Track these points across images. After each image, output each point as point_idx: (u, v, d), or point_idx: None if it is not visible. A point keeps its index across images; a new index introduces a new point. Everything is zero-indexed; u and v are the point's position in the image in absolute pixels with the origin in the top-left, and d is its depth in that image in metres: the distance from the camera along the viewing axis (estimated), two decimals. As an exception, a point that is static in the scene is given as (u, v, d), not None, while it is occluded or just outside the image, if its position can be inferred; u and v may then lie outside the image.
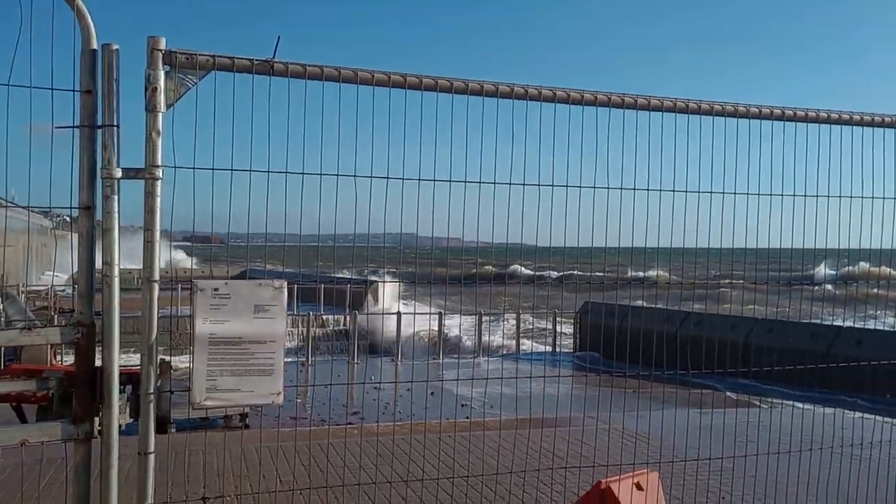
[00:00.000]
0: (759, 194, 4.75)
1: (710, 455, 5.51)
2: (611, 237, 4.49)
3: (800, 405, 10.93)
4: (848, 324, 19.63)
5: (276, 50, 3.54)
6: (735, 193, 4.67)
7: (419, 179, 4.00)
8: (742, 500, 6.37)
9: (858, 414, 11.88)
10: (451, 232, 4.70)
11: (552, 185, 4.25)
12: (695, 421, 9.39)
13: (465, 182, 4.00)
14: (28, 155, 3.29)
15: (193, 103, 3.43)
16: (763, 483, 5.86)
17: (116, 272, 3.37)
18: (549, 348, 24.19)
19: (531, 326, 25.28)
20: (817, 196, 4.90)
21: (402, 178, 4.01)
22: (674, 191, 4.45)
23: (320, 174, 3.76)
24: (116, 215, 3.33)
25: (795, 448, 5.40)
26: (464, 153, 3.98)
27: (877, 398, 16.13)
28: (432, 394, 10.22)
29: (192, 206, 3.60)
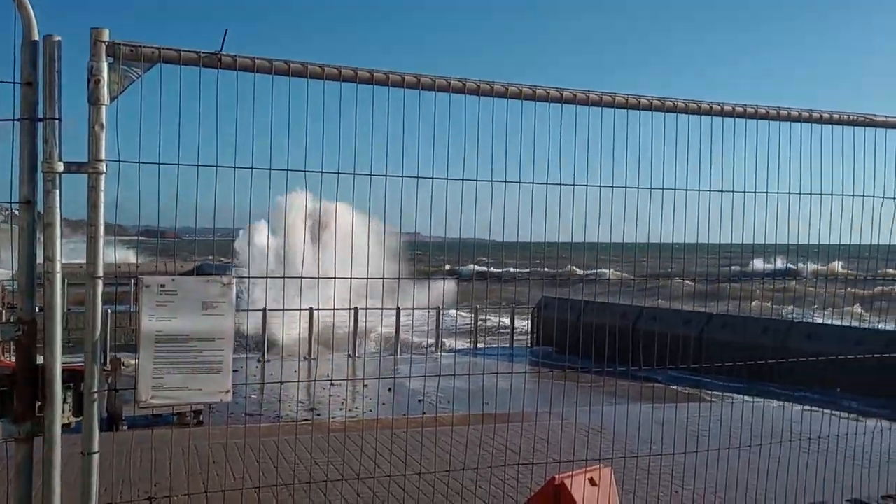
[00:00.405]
0: (707, 190, 4.82)
1: (661, 450, 5.58)
2: (570, 233, 4.53)
3: (753, 399, 11.14)
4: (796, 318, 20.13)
5: (223, 42, 3.48)
6: (683, 189, 4.73)
7: (370, 175, 3.99)
8: (694, 494, 6.48)
9: (809, 407, 12.16)
10: (409, 228, 4.70)
11: (504, 181, 4.26)
12: (648, 415, 9.51)
13: (418, 178, 4.00)
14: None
15: (138, 96, 3.37)
16: (715, 477, 5.97)
17: (58, 268, 3.29)
18: (504, 344, 24.33)
19: (488, 322, 25.40)
20: (767, 192, 4.99)
21: (354, 174, 3.99)
22: (625, 187, 4.50)
23: (269, 169, 3.72)
24: (58, 210, 3.26)
25: (747, 442, 5.51)
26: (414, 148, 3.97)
27: (828, 391, 16.50)
28: (389, 389, 10.22)
29: (138, 200, 3.53)
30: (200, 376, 3.49)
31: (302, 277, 4.05)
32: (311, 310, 20.27)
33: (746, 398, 13.11)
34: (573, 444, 7.47)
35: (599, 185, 4.49)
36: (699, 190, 4.78)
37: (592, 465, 5.15)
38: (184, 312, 3.45)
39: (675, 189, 4.66)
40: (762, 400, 11.97)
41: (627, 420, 8.68)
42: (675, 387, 16.08)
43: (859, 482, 6.14)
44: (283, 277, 4.38)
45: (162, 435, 8.03)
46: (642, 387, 12.49)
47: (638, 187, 4.56)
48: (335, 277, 4.06)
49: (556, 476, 4.87)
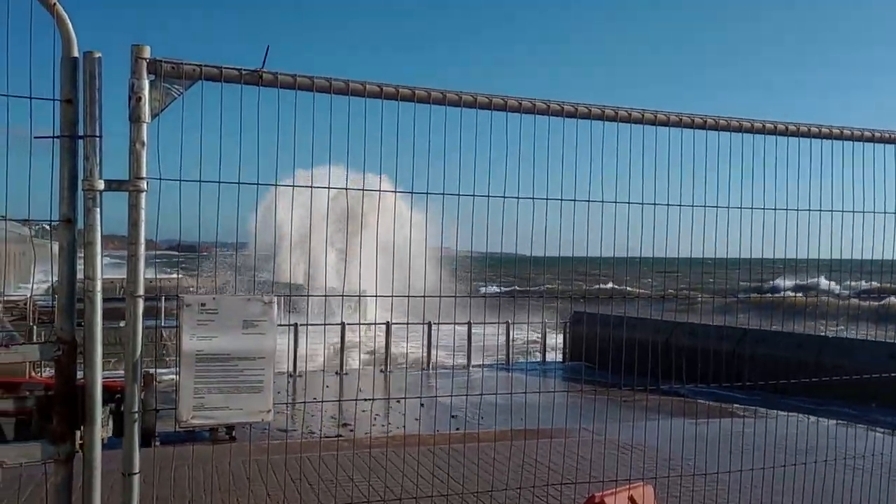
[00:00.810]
0: (734, 207, 4.70)
1: (705, 468, 5.43)
2: (595, 249, 4.45)
3: (794, 416, 10.87)
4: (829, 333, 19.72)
5: (265, 59, 3.45)
6: (703, 206, 4.62)
7: (412, 192, 3.94)
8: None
9: (846, 423, 11.87)
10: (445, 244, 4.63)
11: (532, 198, 4.18)
12: (687, 432, 9.31)
13: (459, 195, 3.93)
14: (5, 163, 3.17)
15: (180, 113, 3.34)
16: (759, 497, 5.79)
17: (99, 287, 3.25)
18: (531, 359, 24.15)
19: (517, 339, 25.21)
20: (798, 210, 4.87)
21: (395, 192, 3.94)
22: (652, 204, 4.40)
23: (311, 187, 3.67)
24: (98, 228, 3.22)
25: (791, 461, 5.34)
26: (457, 166, 3.91)
27: (864, 407, 16.13)
28: (422, 405, 10.12)
29: (175, 216, 3.50)
30: (242, 395, 3.44)
31: (360, 296, 3.99)
32: (342, 324, 20.30)
33: (782, 414, 12.83)
34: (612, 461, 7.29)
35: (630, 202, 4.39)
36: (741, 208, 4.68)
37: (633, 482, 5.02)
38: (225, 331, 3.40)
39: (705, 206, 4.57)
40: (797, 415, 11.70)
41: (670, 437, 8.49)
42: (711, 402, 15.80)
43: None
44: (343, 296, 4.32)
45: (196, 451, 8.01)
46: (684, 403, 12.27)
47: (679, 204, 4.46)
48: (393, 296, 4.00)
49: (596, 494, 4.76)
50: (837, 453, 6.58)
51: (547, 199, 4.16)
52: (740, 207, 4.64)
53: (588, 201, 4.28)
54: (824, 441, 7.66)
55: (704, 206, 4.56)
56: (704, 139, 4.52)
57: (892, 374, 6.29)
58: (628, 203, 4.34)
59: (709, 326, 21.86)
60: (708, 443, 5.93)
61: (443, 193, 4.01)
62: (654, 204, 4.44)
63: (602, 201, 4.30)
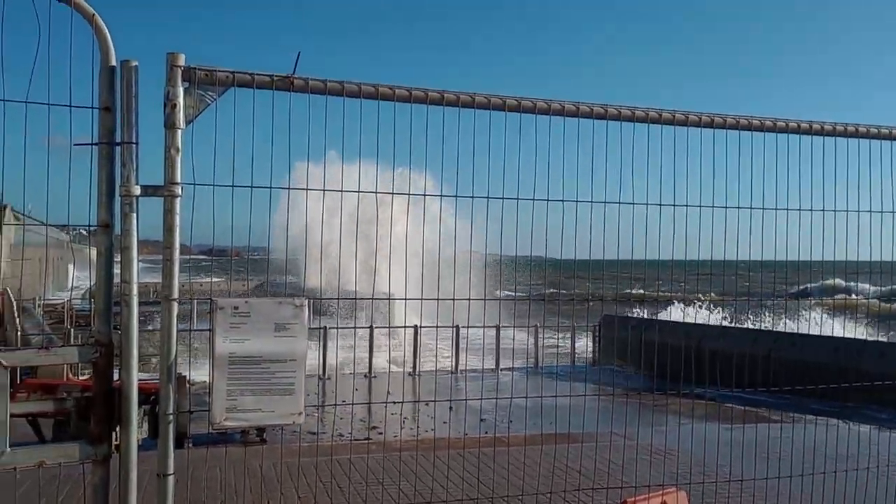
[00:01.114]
0: (761, 208, 4.64)
1: (741, 474, 5.36)
2: (626, 252, 4.42)
3: (831, 421, 10.68)
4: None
5: (296, 65, 3.49)
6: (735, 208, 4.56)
7: (441, 196, 3.95)
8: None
9: (889, 430, 11.63)
10: (468, 246, 4.64)
11: (562, 200, 4.17)
12: (720, 437, 9.21)
13: (487, 197, 3.93)
14: (46, 170, 3.25)
15: (213, 119, 3.38)
16: (808, 502, 5.69)
17: (135, 290, 3.31)
18: (564, 363, 24.01)
19: (546, 341, 25.11)
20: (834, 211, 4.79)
21: (423, 195, 3.95)
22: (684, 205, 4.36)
23: (341, 191, 3.71)
24: (135, 233, 3.29)
25: (831, 468, 5.25)
26: (486, 167, 3.91)
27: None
28: (451, 408, 10.13)
29: (206, 220, 3.54)
30: (273, 398, 3.48)
31: (407, 299, 4.01)
32: (370, 327, 20.41)
33: (820, 419, 12.62)
34: (644, 466, 7.24)
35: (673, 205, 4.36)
36: (776, 209, 4.62)
37: (666, 488, 4.97)
38: (257, 334, 3.44)
39: (738, 207, 4.52)
40: (837, 421, 11.50)
41: (704, 441, 8.41)
42: (744, 407, 15.59)
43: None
44: (389, 298, 4.35)
45: (228, 453, 8.09)
46: (717, 407, 12.13)
47: (711, 206, 4.42)
48: (422, 298, 4.01)
49: (628, 499, 4.72)
50: (880, 460, 6.44)
51: (577, 201, 4.15)
52: (775, 209, 4.58)
53: (619, 203, 4.26)
54: (864, 447, 7.51)
55: (738, 208, 4.51)
56: (738, 139, 4.47)
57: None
58: (659, 205, 4.31)
59: (741, 329, 21.60)
60: (743, 448, 5.86)
61: (472, 197, 4.02)
62: (686, 206, 4.40)
63: (633, 203, 4.28)
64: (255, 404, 3.45)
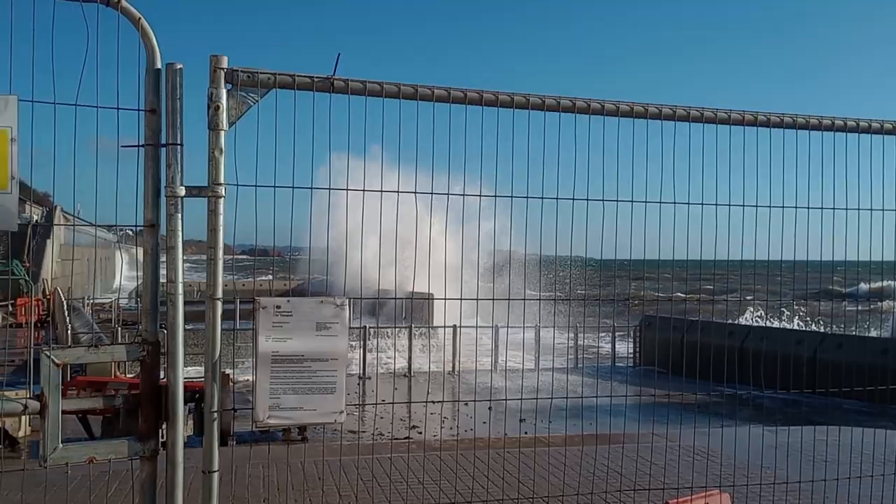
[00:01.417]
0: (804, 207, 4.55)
1: (787, 477, 5.26)
2: (666, 251, 4.37)
3: (875, 424, 10.43)
4: None
5: (336, 67, 3.52)
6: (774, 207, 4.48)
7: (479, 196, 3.95)
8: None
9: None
10: (511, 246, 4.63)
11: (617, 200, 4.14)
12: (764, 439, 9.06)
13: (511, 196, 3.92)
14: (94, 171, 3.32)
15: (255, 120, 3.43)
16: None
17: (181, 290, 3.37)
18: (604, 363, 23.83)
19: (586, 342, 24.96)
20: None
21: (463, 195, 3.95)
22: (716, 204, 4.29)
23: (381, 191, 3.73)
24: (180, 233, 3.35)
25: (878, 471, 5.13)
26: (523, 166, 3.91)
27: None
28: (490, 408, 10.11)
29: (245, 220, 3.59)
30: (315, 396, 3.51)
31: (454, 300, 4.02)
32: (410, 327, 20.50)
33: (866, 421, 12.35)
34: (686, 468, 7.16)
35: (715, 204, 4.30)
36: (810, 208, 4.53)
37: (709, 490, 4.90)
38: (299, 333, 3.48)
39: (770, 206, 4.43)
40: (884, 424, 11.22)
41: (748, 444, 8.28)
42: (788, 409, 15.31)
43: None
44: (412, 298, 4.36)
45: (271, 451, 8.19)
46: (762, 408, 11.93)
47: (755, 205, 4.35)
48: (478, 299, 4.02)
49: (670, 501, 4.67)
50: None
51: (617, 200, 4.12)
52: (821, 208, 4.49)
53: (660, 203, 4.21)
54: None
55: (782, 207, 4.44)
56: (782, 137, 4.40)
57: None
58: (702, 204, 4.26)
59: (786, 331, 21.22)
60: (788, 450, 5.76)
61: (511, 196, 4.02)
62: (729, 205, 4.34)
63: (674, 202, 4.23)
64: (297, 403, 3.48)
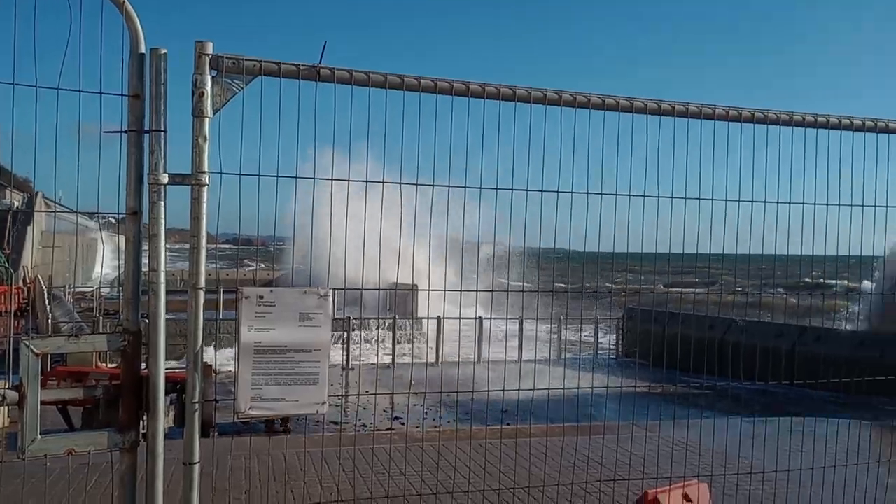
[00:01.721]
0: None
1: (763, 467, 5.31)
2: (648, 245, 4.39)
3: (850, 416, 10.57)
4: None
5: (322, 55, 3.49)
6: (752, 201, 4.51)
7: (465, 187, 3.94)
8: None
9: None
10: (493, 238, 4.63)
11: (601, 193, 4.15)
12: (745, 430, 9.15)
13: (496, 188, 3.92)
14: (76, 157, 3.27)
15: (240, 108, 3.40)
16: (820, 496, 5.64)
17: (163, 279, 3.34)
18: (587, 355, 23.94)
19: (569, 334, 25.07)
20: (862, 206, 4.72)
21: (448, 186, 3.94)
22: (696, 198, 4.32)
23: (366, 181, 3.71)
24: (163, 221, 3.30)
25: (851, 460, 5.19)
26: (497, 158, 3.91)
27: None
28: (473, 399, 10.12)
29: (231, 209, 3.56)
30: (298, 387, 3.49)
31: (453, 291, 4.00)
32: (394, 318, 20.49)
33: (842, 413, 12.51)
34: (665, 458, 7.21)
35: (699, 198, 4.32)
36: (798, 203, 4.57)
37: (687, 480, 4.95)
38: (282, 324, 3.46)
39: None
40: (859, 414, 11.37)
41: (726, 434, 8.35)
42: (766, 400, 15.47)
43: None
44: (395, 290, 4.34)
45: (252, 443, 8.16)
46: (741, 400, 12.04)
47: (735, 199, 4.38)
48: (462, 291, 4.01)
49: (650, 491, 4.71)
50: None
51: (609, 193, 4.13)
52: (804, 203, 4.53)
53: (644, 196, 4.23)
54: (887, 442, 7.41)
55: (763, 201, 4.46)
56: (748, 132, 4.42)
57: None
58: (685, 199, 4.28)
59: (765, 324, 21.42)
60: (765, 441, 5.82)
61: (496, 189, 4.01)
62: (712, 199, 4.37)
63: (658, 196, 4.25)
64: (279, 394, 3.46)
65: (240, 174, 3.40)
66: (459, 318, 19.46)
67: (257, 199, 3.51)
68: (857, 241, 4.81)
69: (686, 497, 4.83)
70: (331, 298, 3.60)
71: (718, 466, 6.45)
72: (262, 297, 3.47)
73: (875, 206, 4.84)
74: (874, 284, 20.19)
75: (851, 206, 4.74)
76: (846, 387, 13.59)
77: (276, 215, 3.63)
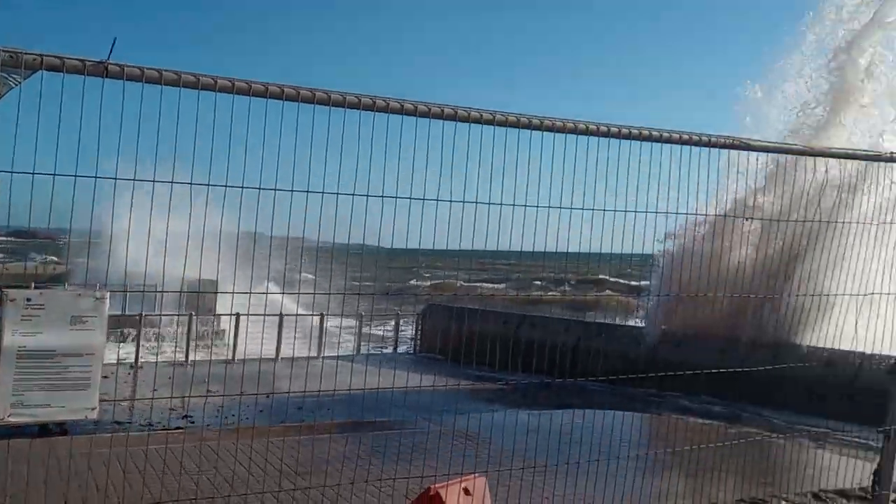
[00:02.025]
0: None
1: (545, 459, 5.74)
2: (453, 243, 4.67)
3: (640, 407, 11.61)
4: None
5: (111, 51, 3.38)
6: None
7: (225, 186, 3.97)
8: (564, 501, 6.69)
9: (686, 418, 12.75)
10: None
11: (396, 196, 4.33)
12: (531, 423, 9.84)
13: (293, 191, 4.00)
14: None
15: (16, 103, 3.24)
16: (584, 485, 6.19)
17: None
18: (387, 350, 24.36)
19: (372, 329, 25.41)
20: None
21: (225, 186, 3.95)
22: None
23: (153, 181, 3.64)
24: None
25: (624, 453, 5.75)
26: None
27: (694, 397, 17.21)
28: (268, 396, 10.02)
29: (19, 202, 3.37)
30: (66, 392, 3.38)
31: (265, 294, 3.95)
32: (189, 315, 19.70)
33: (619, 405, 13.68)
34: (450, 452, 7.59)
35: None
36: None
37: (464, 476, 5.25)
38: (51, 327, 3.32)
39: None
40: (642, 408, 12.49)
41: (515, 429, 8.94)
42: (549, 393, 16.46)
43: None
44: (181, 291, 4.25)
45: (21, 445, 7.56)
46: (533, 394, 12.81)
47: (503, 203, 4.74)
48: (267, 293, 3.98)
49: (431, 486, 4.95)
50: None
51: (396, 196, 4.31)
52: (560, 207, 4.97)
53: (450, 201, 4.48)
54: (662, 433, 8.20)
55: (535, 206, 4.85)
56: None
57: (721, 370, 7.01)
58: (462, 202, 4.57)
59: (555, 319, 22.84)
60: (549, 433, 6.30)
61: (292, 191, 4.07)
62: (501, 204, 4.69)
63: (464, 202, 4.52)
64: (44, 399, 3.33)
65: (12, 172, 3.22)
66: (264, 315, 19.17)
67: (31, 197, 3.34)
68: (638, 243, 5.33)
69: (466, 491, 5.12)
70: (107, 301, 3.50)
71: (498, 460, 6.85)
72: (29, 300, 3.31)
73: (646, 211, 5.35)
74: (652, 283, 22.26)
75: (625, 211, 5.20)
76: (622, 380, 14.77)
77: (50, 214, 3.44)
